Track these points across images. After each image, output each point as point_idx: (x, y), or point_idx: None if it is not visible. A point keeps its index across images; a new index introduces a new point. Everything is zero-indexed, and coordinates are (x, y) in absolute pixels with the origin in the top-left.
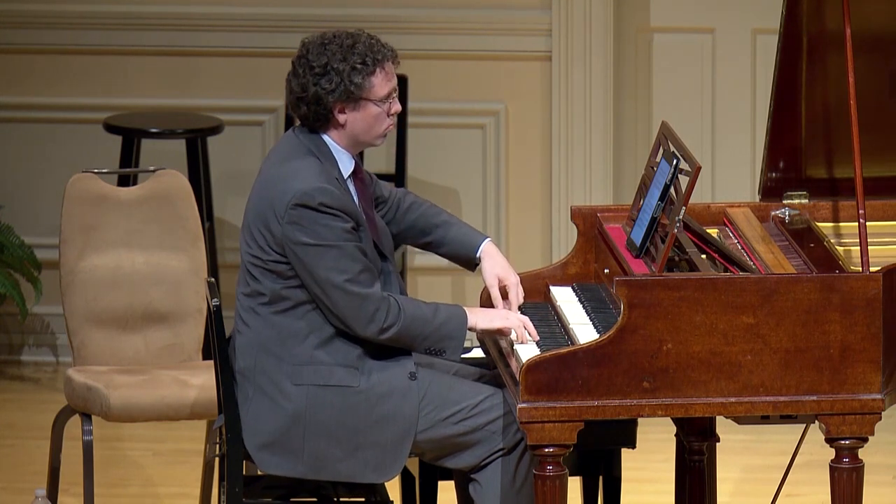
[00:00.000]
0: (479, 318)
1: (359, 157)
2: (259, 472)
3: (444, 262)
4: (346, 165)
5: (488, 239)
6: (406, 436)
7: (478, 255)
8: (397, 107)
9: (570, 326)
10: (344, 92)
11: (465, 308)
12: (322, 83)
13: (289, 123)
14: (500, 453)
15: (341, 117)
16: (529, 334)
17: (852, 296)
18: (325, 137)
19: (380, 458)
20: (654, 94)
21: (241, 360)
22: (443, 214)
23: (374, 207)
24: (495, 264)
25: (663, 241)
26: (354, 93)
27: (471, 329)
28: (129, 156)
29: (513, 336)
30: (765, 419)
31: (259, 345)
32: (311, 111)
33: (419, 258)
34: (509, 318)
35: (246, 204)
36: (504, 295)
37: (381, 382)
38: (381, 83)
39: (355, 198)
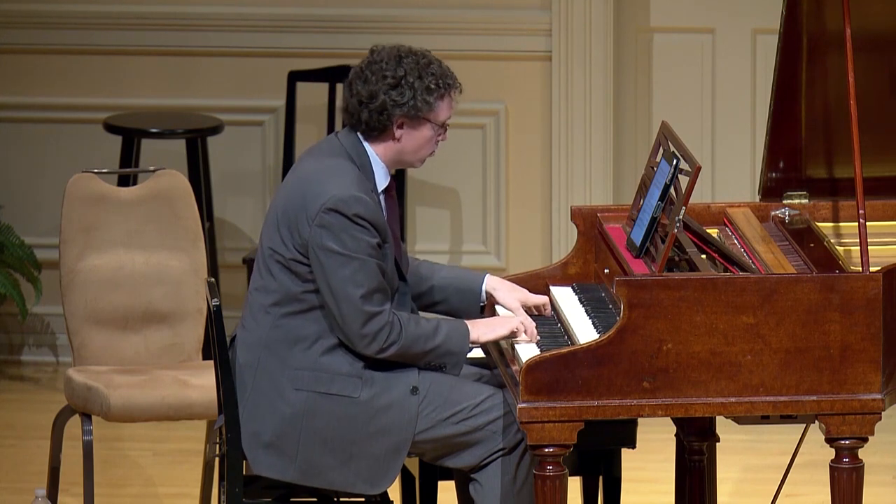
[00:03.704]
0: (482, 331)
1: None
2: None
3: (444, 263)
4: (382, 180)
5: (488, 274)
6: (400, 449)
7: (483, 288)
8: (446, 136)
9: (571, 326)
10: (412, 108)
11: (467, 322)
12: (393, 94)
13: (289, 123)
14: (501, 453)
15: (398, 132)
16: (530, 333)
17: (852, 296)
18: (369, 148)
19: (372, 469)
20: (654, 94)
21: (243, 356)
22: (443, 265)
23: (399, 227)
24: (512, 291)
25: (663, 241)
26: (421, 111)
27: (474, 343)
28: (129, 156)
29: (522, 337)
30: (765, 419)
31: (264, 344)
32: (372, 118)
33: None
34: (509, 322)
35: (274, 196)
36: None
37: (381, 395)
38: (445, 109)
39: (384, 213)
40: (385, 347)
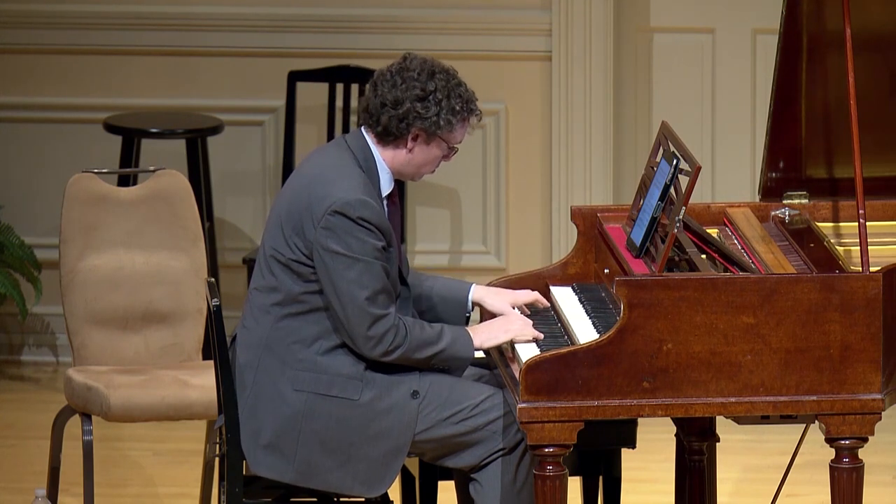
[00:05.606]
0: (484, 338)
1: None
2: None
3: (444, 262)
4: (386, 185)
5: (474, 284)
6: (398, 453)
7: (469, 298)
8: (451, 159)
9: (570, 326)
10: (433, 124)
11: (469, 329)
12: (418, 106)
13: (289, 123)
14: (501, 453)
15: (411, 143)
16: (530, 334)
17: (852, 296)
18: (377, 151)
19: (370, 472)
20: (654, 94)
21: (243, 356)
22: (429, 275)
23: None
24: (498, 294)
25: (663, 241)
26: (440, 129)
27: (476, 350)
28: (129, 156)
29: (521, 340)
30: (765, 419)
31: (265, 344)
32: (391, 123)
33: (419, 259)
34: (510, 328)
35: (277, 196)
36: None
37: (382, 398)
38: (461, 133)
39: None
40: (390, 350)
